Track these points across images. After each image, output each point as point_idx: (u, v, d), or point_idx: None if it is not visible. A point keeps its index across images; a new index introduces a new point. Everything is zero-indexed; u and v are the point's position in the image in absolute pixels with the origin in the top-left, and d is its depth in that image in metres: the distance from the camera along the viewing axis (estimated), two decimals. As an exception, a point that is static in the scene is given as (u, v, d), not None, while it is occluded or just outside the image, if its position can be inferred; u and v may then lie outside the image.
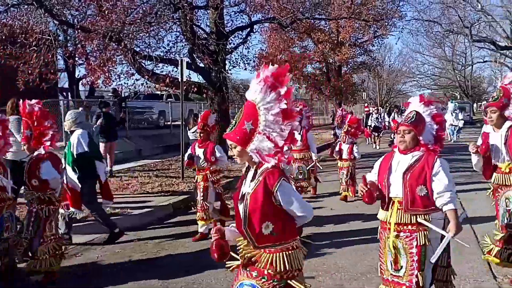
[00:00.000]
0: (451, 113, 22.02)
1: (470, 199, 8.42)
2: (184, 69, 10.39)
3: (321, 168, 9.87)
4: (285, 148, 2.86)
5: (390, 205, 3.64)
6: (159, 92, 21.91)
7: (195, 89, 13.46)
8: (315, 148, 9.33)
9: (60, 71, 25.83)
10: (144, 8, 11.64)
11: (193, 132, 12.10)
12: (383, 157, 3.88)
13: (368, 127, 20.29)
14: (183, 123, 11.12)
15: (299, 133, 9.02)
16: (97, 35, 11.30)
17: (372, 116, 20.60)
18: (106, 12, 11.40)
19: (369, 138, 20.91)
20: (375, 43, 33.04)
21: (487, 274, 4.99)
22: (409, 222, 3.53)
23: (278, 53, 31.42)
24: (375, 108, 22.28)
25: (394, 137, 12.14)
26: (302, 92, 41.12)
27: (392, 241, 3.59)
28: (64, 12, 12.14)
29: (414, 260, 3.50)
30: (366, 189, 3.68)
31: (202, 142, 6.84)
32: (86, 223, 7.19)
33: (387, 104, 43.75)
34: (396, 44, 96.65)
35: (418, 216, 3.49)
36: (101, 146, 11.31)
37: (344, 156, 9.29)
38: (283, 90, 2.80)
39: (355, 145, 9.34)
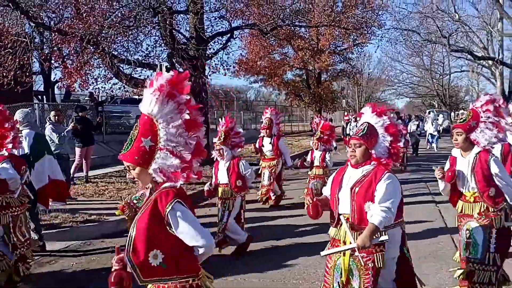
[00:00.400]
0: (432, 123, 21.97)
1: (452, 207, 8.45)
2: (164, 73, 10.24)
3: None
4: (195, 163, 2.54)
5: (340, 222, 3.47)
6: (136, 97, 21.64)
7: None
8: (289, 156, 9.17)
9: (36, 74, 25.36)
10: (123, 12, 11.51)
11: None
12: (337, 170, 3.72)
13: (347, 135, 20.21)
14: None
15: (270, 142, 8.85)
16: (74, 38, 11.12)
17: (350, 124, 20.54)
18: (84, 15, 11.24)
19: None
20: (355, 51, 33.29)
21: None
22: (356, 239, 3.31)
23: (258, 59, 31.54)
24: (354, 116, 22.25)
25: None
26: (282, 99, 41.22)
27: (344, 260, 3.39)
28: (41, 14, 11.93)
29: (369, 282, 3.31)
30: (312, 201, 3.50)
31: None
32: (60, 229, 6.99)
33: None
34: (375, 52, 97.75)
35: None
36: (77, 151, 11.08)
37: (316, 163, 8.83)
38: (183, 99, 2.53)
39: (327, 152, 8.89)
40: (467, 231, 4.24)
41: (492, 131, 4.12)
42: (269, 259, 5.91)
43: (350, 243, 3.29)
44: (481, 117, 4.19)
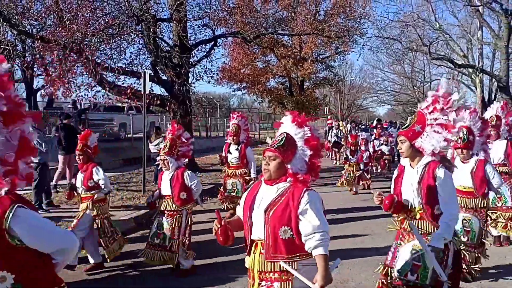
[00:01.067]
0: None
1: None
2: (147, 81, 10.28)
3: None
4: (21, 165, 2.13)
5: (253, 249, 3.07)
6: (120, 104, 21.57)
7: (158, 101, 13.33)
8: (254, 165, 8.46)
9: (18, 82, 25.12)
10: (106, 20, 11.50)
11: (155, 145, 11.97)
12: (250, 187, 3.31)
13: (328, 142, 19.97)
14: (145, 135, 10.95)
15: (237, 149, 8.33)
16: (57, 46, 11.09)
17: (332, 131, 19.88)
18: (67, 22, 11.21)
19: (331, 152, 20.86)
20: (337, 59, 33.65)
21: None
22: (271, 269, 2.97)
23: (241, 67, 31.64)
24: (337, 122, 22.17)
25: (347, 153, 12.01)
26: (265, 106, 41.35)
27: None
28: (23, 22, 11.86)
29: None
30: (219, 226, 3.03)
31: (83, 166, 6.14)
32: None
33: (349, 119, 44.49)
34: (357, 60, 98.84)
35: (283, 262, 2.93)
36: (60, 159, 11.02)
37: None
38: None
39: None
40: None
41: (441, 134, 3.67)
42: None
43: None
44: (427, 119, 3.74)
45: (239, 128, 8.52)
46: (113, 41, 11.53)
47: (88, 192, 6.08)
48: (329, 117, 29.54)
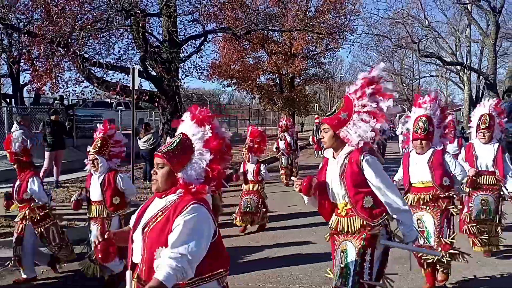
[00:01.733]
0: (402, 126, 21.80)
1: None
2: (136, 77, 10.14)
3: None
4: None
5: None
6: (108, 100, 21.35)
7: (147, 97, 13.18)
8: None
9: (4, 77, 24.79)
10: (94, 14, 11.32)
11: (144, 142, 11.86)
12: (145, 202, 2.79)
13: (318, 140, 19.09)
14: (134, 132, 10.82)
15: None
16: (44, 40, 10.91)
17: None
18: (55, 17, 11.02)
19: (320, 150, 20.53)
20: (327, 55, 33.69)
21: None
22: None
23: (232, 63, 31.55)
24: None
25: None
26: (255, 102, 41.28)
27: None
28: (10, 16, 11.64)
29: None
30: (100, 239, 2.61)
31: (20, 174, 5.58)
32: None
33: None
34: (347, 57, 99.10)
35: None
36: (46, 155, 10.87)
37: (250, 177, 7.60)
38: None
39: (262, 164, 7.73)
40: (342, 253, 3.51)
41: (368, 123, 3.20)
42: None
43: None
44: (355, 105, 3.23)
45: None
46: (102, 35, 11.36)
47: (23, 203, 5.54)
48: (316, 115, 29.28)
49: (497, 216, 5.79)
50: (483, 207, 5.77)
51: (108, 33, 11.46)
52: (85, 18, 11.51)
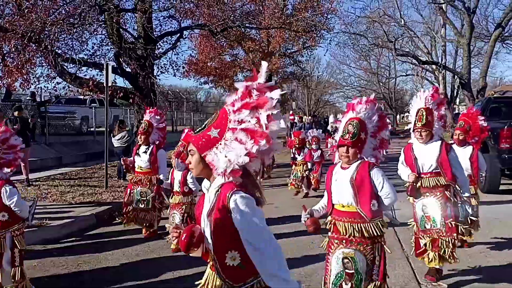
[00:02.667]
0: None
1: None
2: (110, 73, 9.95)
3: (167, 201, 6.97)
4: None
5: None
6: (82, 97, 20.97)
7: (121, 94, 12.97)
8: (166, 172, 6.95)
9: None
10: (67, 9, 11.06)
11: (118, 139, 11.66)
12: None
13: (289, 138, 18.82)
14: (108, 129, 10.62)
15: (145, 151, 6.99)
16: (15, 35, 10.63)
17: (295, 126, 17.69)
18: (26, 11, 10.75)
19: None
20: (304, 54, 33.74)
21: (412, 280, 5.09)
22: None
23: (208, 60, 31.36)
24: (300, 117, 20.98)
25: (293, 152, 10.66)
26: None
27: None
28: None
29: None
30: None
31: None
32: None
33: (316, 114, 44.77)
34: (324, 55, 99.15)
35: None
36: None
37: (176, 188, 6.40)
38: None
39: (190, 172, 6.07)
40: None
41: (244, 145, 2.19)
42: None
43: None
44: (230, 121, 2.25)
45: (150, 126, 7.06)
46: (74, 31, 11.09)
47: None
48: (291, 112, 29.06)
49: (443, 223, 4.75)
50: (425, 214, 4.88)
51: (81, 28, 11.20)
52: (57, 13, 11.24)
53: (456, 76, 27.49)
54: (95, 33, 12.41)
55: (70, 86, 13.66)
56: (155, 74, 14.00)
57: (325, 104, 61.61)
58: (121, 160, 7.74)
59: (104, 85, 10.70)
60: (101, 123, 17.69)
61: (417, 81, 48.11)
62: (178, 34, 14.85)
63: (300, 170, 10.15)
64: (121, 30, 12.63)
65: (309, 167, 10.16)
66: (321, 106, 59.88)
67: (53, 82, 12.74)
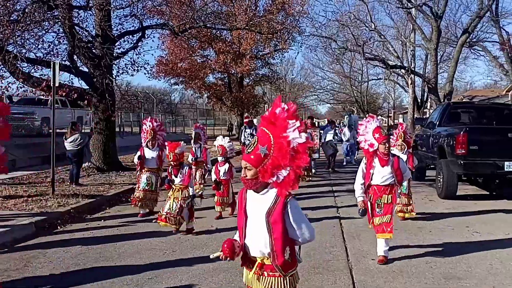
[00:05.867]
0: (349, 129, 18.62)
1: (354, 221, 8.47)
2: (57, 72, 9.47)
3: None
4: None
5: None
6: (43, 97, 20.27)
7: (75, 95, 12.49)
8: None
9: None
10: (7, 4, 10.46)
11: (70, 142, 11.18)
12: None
13: (243, 144, 15.25)
14: (54, 131, 10.12)
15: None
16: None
17: (245, 130, 15.20)
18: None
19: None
20: (276, 56, 33.64)
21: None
22: None
23: (179, 61, 30.97)
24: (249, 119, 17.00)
25: None
26: (203, 102, 40.78)
27: None
28: None
29: None
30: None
31: None
32: None
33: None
34: (295, 58, 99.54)
35: None
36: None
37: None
38: None
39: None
40: None
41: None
42: None
43: None
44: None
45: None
46: (16, 28, 10.50)
47: None
48: (246, 114, 28.14)
49: None
50: None
51: (24, 25, 10.59)
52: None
53: (424, 81, 27.64)
54: (47, 30, 11.88)
55: (25, 85, 13.11)
56: (115, 74, 13.58)
57: (300, 107, 61.74)
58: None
59: (57, 84, 10.23)
60: (64, 125, 17.09)
61: (389, 85, 48.51)
62: (140, 34, 14.42)
63: None
64: (77, 28, 12.14)
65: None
66: (296, 109, 59.95)
67: (5, 81, 12.20)
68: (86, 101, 12.85)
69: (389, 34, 33.68)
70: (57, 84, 9.54)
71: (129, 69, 14.00)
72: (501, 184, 10.11)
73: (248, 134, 14.70)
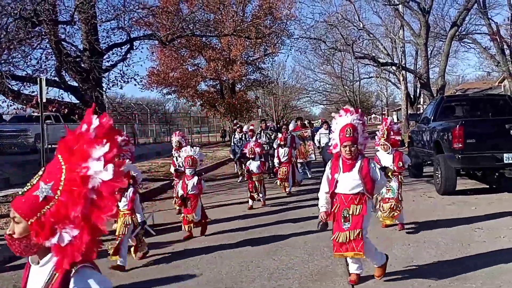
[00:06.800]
0: None
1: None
2: (44, 88, 9.34)
3: None
4: None
5: None
6: (36, 114, 20.12)
7: (65, 110, 12.35)
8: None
9: None
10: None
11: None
12: None
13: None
14: (44, 148, 9.97)
15: None
16: None
17: (234, 136, 14.91)
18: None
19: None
20: (266, 61, 33.60)
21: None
22: None
23: (170, 71, 30.92)
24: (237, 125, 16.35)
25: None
26: (196, 110, 40.65)
27: None
28: None
29: None
30: None
31: None
32: None
33: (283, 119, 44.52)
34: (285, 61, 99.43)
35: None
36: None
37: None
38: None
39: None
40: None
41: None
42: None
43: None
44: None
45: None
46: (2, 47, 10.32)
47: None
48: (235, 121, 26.96)
49: None
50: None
51: (11, 43, 10.44)
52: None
53: (416, 76, 27.67)
54: (37, 47, 11.75)
55: (15, 103, 12.97)
56: (105, 87, 13.43)
57: (293, 110, 61.67)
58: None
59: (44, 100, 10.10)
60: (58, 140, 16.97)
61: (381, 83, 48.59)
62: (128, 46, 14.31)
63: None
64: (62, 43, 12.01)
65: None
66: (289, 111, 59.90)
67: (-5, 101, 12.07)
68: (76, 115, 12.67)
69: (378, 32, 33.80)
70: (44, 100, 9.41)
71: (119, 81, 13.89)
72: (501, 176, 9.96)
73: (237, 139, 14.46)
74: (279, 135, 12.60)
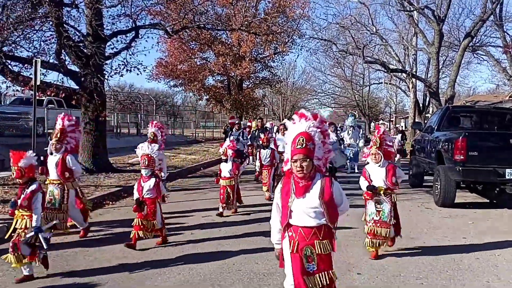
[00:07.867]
0: (349, 131, 16.23)
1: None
2: (39, 70, 9.14)
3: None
4: None
5: None
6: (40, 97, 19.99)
7: (63, 94, 12.15)
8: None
9: None
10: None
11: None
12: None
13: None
14: (35, 132, 9.76)
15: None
16: None
17: (231, 134, 14.58)
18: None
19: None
20: (276, 59, 33.30)
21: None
22: None
23: (178, 63, 30.77)
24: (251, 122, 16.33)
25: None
26: (203, 104, 40.43)
27: None
28: None
29: None
30: None
31: None
32: None
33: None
34: (295, 61, 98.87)
35: None
36: None
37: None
38: None
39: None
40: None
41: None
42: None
43: None
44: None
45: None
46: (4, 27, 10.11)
47: None
48: (230, 115, 26.33)
49: None
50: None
51: (13, 25, 10.23)
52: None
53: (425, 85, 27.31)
54: (33, 28, 11.56)
55: (14, 85, 12.81)
56: (107, 75, 13.23)
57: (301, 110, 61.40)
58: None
59: (38, 82, 9.90)
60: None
61: (391, 89, 48.15)
62: (133, 34, 14.07)
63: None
64: (64, 25, 11.80)
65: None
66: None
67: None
68: (74, 101, 12.48)
69: (391, 38, 33.43)
70: (38, 83, 9.19)
71: (122, 69, 13.67)
72: (502, 192, 9.65)
73: (235, 136, 14.15)
74: (261, 135, 11.63)
